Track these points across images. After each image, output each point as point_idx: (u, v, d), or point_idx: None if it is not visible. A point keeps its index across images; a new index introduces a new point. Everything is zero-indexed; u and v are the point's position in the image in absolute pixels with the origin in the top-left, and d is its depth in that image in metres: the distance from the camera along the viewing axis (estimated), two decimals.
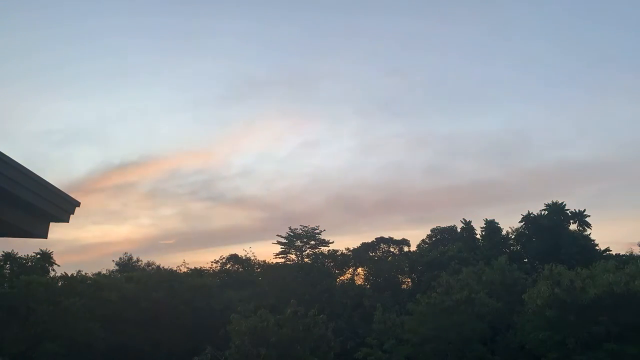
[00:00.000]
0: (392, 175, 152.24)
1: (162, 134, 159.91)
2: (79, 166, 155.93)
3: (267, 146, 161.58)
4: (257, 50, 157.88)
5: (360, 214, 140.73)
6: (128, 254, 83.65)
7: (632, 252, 63.53)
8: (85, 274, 61.31)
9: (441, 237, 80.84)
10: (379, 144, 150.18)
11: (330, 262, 76.91)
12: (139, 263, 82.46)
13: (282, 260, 78.81)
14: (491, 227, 70.14)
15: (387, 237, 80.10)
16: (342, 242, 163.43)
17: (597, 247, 65.55)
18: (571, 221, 68.27)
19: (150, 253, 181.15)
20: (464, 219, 76.24)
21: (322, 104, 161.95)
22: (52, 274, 62.08)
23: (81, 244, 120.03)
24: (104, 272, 72.67)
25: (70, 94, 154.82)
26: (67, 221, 6.03)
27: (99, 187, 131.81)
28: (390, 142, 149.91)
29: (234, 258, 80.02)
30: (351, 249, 78.69)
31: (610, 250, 65.43)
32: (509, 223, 78.46)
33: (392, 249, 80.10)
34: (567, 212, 67.98)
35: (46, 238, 6.09)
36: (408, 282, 75.06)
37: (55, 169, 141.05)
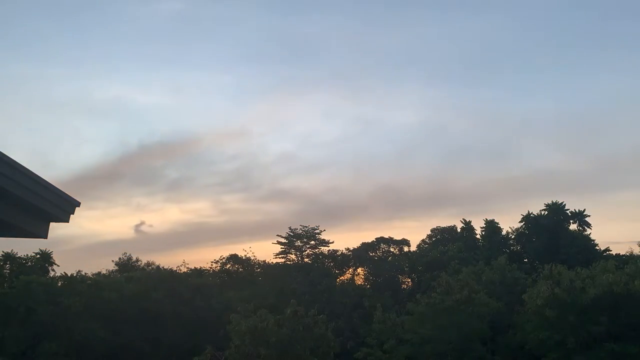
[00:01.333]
0: (450, 160, 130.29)
1: (190, 110, 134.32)
2: (92, 146, 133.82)
3: (311, 124, 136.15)
4: (305, 3, 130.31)
5: (409, 206, 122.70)
6: (128, 254, 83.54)
7: (632, 252, 63.58)
8: (85, 274, 61.50)
9: (441, 237, 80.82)
10: (443, 121, 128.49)
11: (330, 262, 76.87)
12: (139, 263, 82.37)
13: (282, 260, 78.71)
14: (491, 227, 70.14)
15: (387, 237, 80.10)
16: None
17: (597, 247, 65.59)
18: (571, 221, 68.31)
19: (175, 249, 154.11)
20: (463, 219, 76.29)
21: (384, 71, 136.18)
22: (52, 274, 62.14)
23: (98, 240, 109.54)
24: (104, 272, 72.79)
25: (79, 58, 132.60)
26: (67, 221, 6.02)
27: (117, 172, 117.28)
28: (455, 120, 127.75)
29: (233, 258, 79.94)
30: (351, 248, 78.75)
31: (610, 250, 65.55)
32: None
33: (392, 249, 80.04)
34: (567, 212, 68.01)
35: (46, 238, 6.09)
36: (408, 282, 75.05)
37: (63, 148, 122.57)
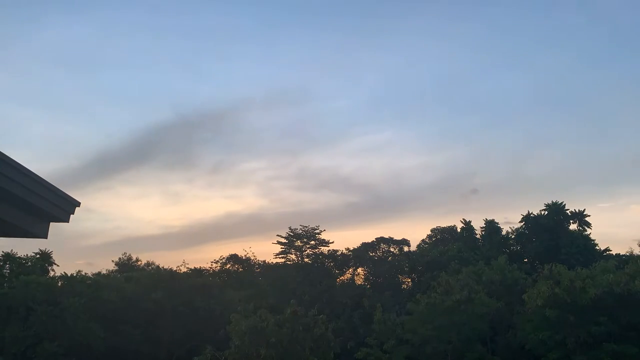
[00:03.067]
0: (535, 139, 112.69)
1: (231, 73, 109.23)
2: (115, 117, 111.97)
3: (376, 90, 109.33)
4: None
5: (485, 193, 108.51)
6: (127, 254, 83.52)
7: (632, 252, 63.58)
8: (85, 274, 61.45)
9: (441, 237, 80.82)
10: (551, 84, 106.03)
11: (330, 262, 76.87)
12: (139, 263, 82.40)
13: (282, 260, 78.72)
14: (491, 227, 70.13)
15: (387, 237, 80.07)
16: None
17: (597, 247, 65.59)
18: (571, 221, 68.28)
19: (220, 239, 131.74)
20: (463, 219, 76.22)
21: (489, 26, 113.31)
22: (51, 274, 62.12)
23: (129, 234, 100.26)
24: (103, 272, 72.79)
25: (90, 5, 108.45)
26: (67, 221, 6.02)
27: (148, 155, 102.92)
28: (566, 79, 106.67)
29: (233, 258, 79.97)
30: (351, 249, 78.75)
31: (610, 250, 65.58)
32: None
33: (392, 249, 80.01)
34: (567, 212, 67.97)
35: (46, 238, 6.09)
36: (408, 282, 75.03)
37: (79, 119, 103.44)
